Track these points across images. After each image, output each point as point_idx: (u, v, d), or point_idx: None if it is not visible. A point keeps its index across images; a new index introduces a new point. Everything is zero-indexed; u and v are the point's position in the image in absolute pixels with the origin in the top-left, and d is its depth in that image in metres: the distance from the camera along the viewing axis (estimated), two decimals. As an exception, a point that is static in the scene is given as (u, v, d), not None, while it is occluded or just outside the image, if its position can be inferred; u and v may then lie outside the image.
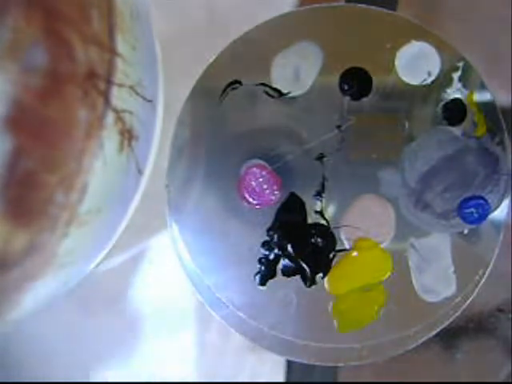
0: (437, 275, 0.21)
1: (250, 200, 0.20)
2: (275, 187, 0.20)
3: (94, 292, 0.28)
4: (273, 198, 0.20)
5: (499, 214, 0.21)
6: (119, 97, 0.16)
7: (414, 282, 0.21)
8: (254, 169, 0.20)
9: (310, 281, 0.21)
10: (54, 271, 0.17)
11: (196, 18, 0.25)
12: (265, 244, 0.21)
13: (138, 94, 0.17)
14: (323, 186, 0.21)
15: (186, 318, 0.28)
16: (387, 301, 0.21)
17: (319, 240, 0.21)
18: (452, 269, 0.21)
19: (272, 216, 0.21)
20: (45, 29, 0.14)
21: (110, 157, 0.16)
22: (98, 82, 0.16)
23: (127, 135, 0.17)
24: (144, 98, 0.18)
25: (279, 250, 0.21)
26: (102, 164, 0.16)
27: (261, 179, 0.20)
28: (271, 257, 0.21)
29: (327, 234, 0.21)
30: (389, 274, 0.21)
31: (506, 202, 0.21)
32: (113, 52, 0.16)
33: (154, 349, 0.27)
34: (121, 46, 0.17)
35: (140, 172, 0.19)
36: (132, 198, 0.19)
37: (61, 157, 0.15)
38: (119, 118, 0.16)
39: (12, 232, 0.14)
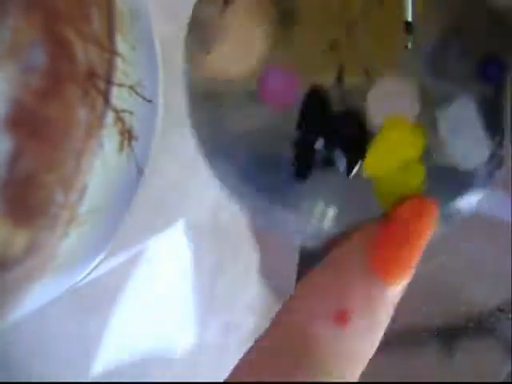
0: (468, 142, 0.21)
1: (273, 100, 0.20)
2: (295, 86, 0.20)
3: (93, 292, 0.28)
4: (294, 96, 0.20)
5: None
6: (119, 97, 0.16)
7: (447, 152, 0.21)
8: (273, 70, 0.20)
9: (347, 169, 0.21)
10: (54, 271, 0.17)
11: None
12: (296, 143, 0.21)
13: (137, 93, 0.17)
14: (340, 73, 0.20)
15: (185, 318, 0.28)
16: (427, 176, 0.21)
17: (348, 127, 0.20)
18: (482, 134, 0.21)
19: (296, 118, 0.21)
20: (45, 29, 0.14)
21: (109, 157, 0.16)
22: (98, 81, 0.16)
23: (127, 135, 0.17)
24: (144, 98, 0.18)
25: (311, 144, 0.20)
26: (101, 164, 0.16)
27: (280, 80, 0.20)
28: (305, 153, 0.20)
29: (355, 120, 0.20)
30: (422, 149, 0.21)
31: None
32: (113, 52, 0.16)
33: (154, 348, 0.27)
34: (121, 45, 0.17)
35: (140, 172, 0.19)
36: (132, 198, 0.19)
37: (60, 156, 0.15)
38: (119, 118, 0.16)
39: (12, 232, 0.14)
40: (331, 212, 0.20)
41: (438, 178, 0.21)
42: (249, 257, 0.31)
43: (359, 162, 0.21)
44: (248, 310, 0.30)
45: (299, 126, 0.21)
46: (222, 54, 0.20)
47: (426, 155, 0.21)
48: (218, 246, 0.31)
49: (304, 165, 0.21)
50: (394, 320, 0.18)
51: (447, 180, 0.21)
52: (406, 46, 0.15)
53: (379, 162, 0.20)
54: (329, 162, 0.21)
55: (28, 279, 0.16)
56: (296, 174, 0.21)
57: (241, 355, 0.17)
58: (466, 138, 0.21)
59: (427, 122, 0.21)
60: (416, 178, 0.21)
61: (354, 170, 0.21)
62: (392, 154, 0.19)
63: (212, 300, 0.30)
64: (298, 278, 0.27)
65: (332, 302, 0.16)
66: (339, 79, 0.20)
